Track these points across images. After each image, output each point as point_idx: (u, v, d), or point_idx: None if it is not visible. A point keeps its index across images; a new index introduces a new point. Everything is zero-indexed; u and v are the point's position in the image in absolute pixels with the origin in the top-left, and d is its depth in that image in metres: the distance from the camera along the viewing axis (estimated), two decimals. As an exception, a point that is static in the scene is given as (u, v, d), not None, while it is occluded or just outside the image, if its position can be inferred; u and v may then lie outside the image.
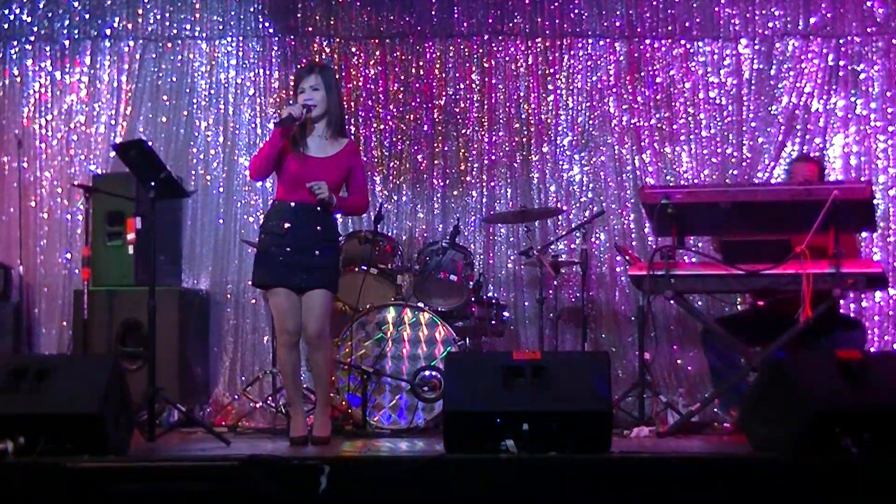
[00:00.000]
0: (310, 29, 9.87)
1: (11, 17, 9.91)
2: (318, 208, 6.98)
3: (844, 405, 5.79)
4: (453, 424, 5.98)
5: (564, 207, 9.59)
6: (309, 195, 6.92)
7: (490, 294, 9.21)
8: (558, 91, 9.78)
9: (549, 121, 9.77)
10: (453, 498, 5.30)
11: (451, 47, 9.87)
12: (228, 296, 9.65)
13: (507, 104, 9.81)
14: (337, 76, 7.99)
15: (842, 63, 9.62)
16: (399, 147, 9.83)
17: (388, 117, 9.82)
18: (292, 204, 7.00)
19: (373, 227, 8.62)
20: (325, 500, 5.22)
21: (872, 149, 9.56)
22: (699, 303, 9.07)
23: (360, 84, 9.85)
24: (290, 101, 7.43)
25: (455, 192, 9.78)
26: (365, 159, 8.95)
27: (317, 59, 9.64)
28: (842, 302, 8.18)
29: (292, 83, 7.44)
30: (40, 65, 9.92)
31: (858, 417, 5.74)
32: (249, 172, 7.45)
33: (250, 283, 9.15)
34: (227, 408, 9.19)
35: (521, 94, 9.81)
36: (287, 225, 6.97)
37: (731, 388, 7.69)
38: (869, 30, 9.60)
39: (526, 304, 9.61)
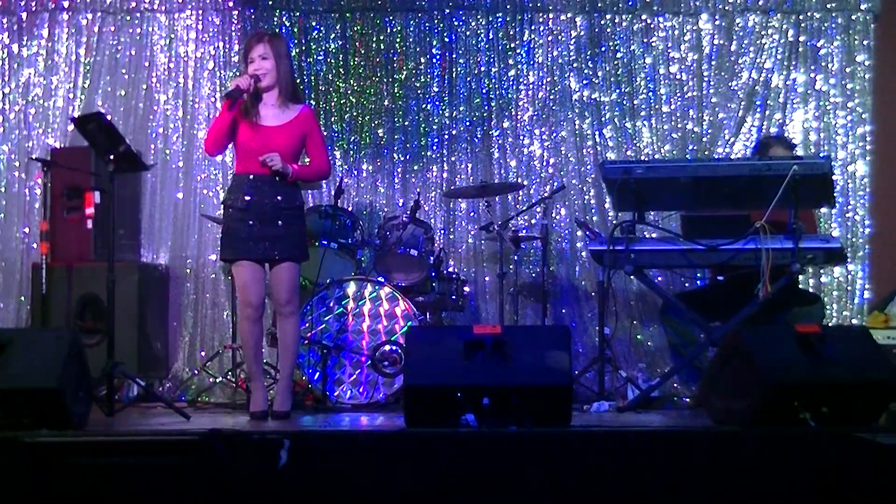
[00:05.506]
0: (270, 2, 9.77)
1: (-34, -10, 9.79)
2: (277, 178, 6.95)
3: (803, 379, 5.86)
4: (413, 399, 5.99)
5: (525, 182, 9.58)
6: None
7: (450, 269, 9.20)
8: (519, 65, 9.77)
9: (509, 95, 9.75)
10: (413, 472, 5.29)
11: (411, 21, 9.82)
12: (188, 270, 9.57)
13: (468, 79, 9.78)
14: (289, 45, 8.03)
15: (802, 39, 9.66)
16: (359, 121, 9.77)
17: (349, 91, 9.77)
18: (251, 176, 6.97)
19: (333, 201, 8.60)
20: (286, 475, 5.21)
21: (832, 124, 9.60)
22: (659, 278, 9.08)
23: (321, 58, 9.79)
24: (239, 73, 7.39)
25: (416, 167, 9.76)
26: (325, 133, 8.84)
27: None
28: (801, 277, 8.24)
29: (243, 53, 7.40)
30: (-3, 37, 9.82)
31: (817, 391, 5.81)
32: (205, 147, 7.40)
33: (214, 258, 9.14)
34: (187, 382, 9.16)
35: (482, 68, 9.78)
36: (247, 198, 6.94)
37: (690, 363, 7.73)
38: (829, 6, 9.62)
39: (486, 278, 9.61)
